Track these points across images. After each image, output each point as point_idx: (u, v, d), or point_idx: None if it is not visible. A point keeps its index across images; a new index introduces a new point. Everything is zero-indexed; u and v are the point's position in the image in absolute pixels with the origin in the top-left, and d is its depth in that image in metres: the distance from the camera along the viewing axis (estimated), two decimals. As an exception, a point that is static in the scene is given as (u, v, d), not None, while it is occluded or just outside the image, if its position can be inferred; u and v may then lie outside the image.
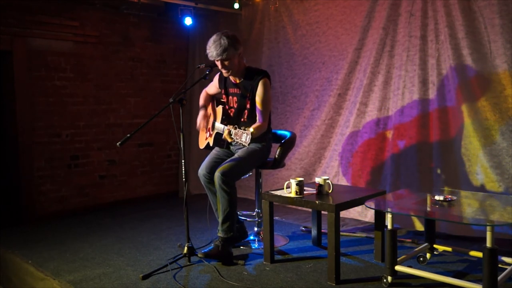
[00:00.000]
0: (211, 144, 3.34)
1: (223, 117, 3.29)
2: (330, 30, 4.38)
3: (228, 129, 2.79)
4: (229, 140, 2.85)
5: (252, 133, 2.68)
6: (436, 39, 3.59)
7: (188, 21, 4.95)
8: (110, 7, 4.96)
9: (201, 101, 3.50)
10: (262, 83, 3.12)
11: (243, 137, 2.67)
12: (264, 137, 3.25)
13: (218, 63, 3.13)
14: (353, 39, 4.15)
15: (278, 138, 3.52)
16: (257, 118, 3.15)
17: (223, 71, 3.17)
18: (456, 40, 3.44)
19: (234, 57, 3.09)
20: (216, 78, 3.45)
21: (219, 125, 3.27)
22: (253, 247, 3.35)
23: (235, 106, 3.27)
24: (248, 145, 2.71)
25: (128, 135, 2.93)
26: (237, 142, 2.73)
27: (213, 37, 3.08)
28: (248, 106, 3.20)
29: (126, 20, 5.16)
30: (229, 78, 3.29)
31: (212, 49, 3.04)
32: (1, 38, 4.22)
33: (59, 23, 4.59)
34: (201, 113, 3.40)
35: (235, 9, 5.04)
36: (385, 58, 3.91)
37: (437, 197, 2.65)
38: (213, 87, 3.50)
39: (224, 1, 4.95)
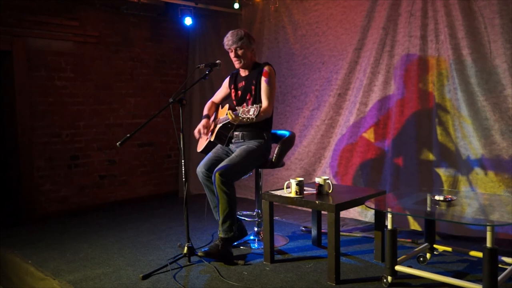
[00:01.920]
0: (212, 140, 3.33)
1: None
2: (330, 30, 4.38)
3: (234, 111, 2.83)
4: (237, 122, 2.87)
5: (260, 106, 2.74)
6: (436, 39, 3.59)
7: (188, 21, 4.96)
8: (110, 7, 4.96)
9: (205, 111, 3.52)
10: (267, 69, 3.24)
11: (251, 111, 2.73)
12: (263, 135, 3.26)
13: (232, 54, 3.26)
14: (353, 39, 4.15)
15: (277, 138, 3.52)
16: (262, 102, 3.20)
17: (236, 60, 3.27)
18: (456, 40, 3.44)
19: (248, 49, 3.26)
20: (226, 80, 3.54)
21: (223, 117, 3.28)
22: (253, 247, 3.35)
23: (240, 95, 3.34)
24: (255, 117, 2.73)
25: (128, 135, 2.93)
26: (245, 118, 2.76)
27: (231, 30, 3.30)
28: (253, 92, 3.25)
29: (126, 20, 5.16)
30: (239, 74, 3.38)
31: (229, 38, 3.24)
32: (1, 38, 4.22)
33: (59, 23, 4.59)
34: (203, 121, 3.41)
35: (235, 9, 5.04)
36: (385, 58, 3.91)
37: (437, 197, 2.65)
38: (222, 90, 3.56)
39: (224, 1, 4.95)
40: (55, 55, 4.60)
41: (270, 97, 3.19)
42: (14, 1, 4.28)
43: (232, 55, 3.28)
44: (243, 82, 3.33)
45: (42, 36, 4.49)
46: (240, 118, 2.79)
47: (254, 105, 2.74)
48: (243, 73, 3.37)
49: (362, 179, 4.06)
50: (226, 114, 3.23)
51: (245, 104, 2.82)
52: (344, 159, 4.20)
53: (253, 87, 3.26)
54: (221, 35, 5.36)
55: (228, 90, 3.50)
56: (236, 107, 2.86)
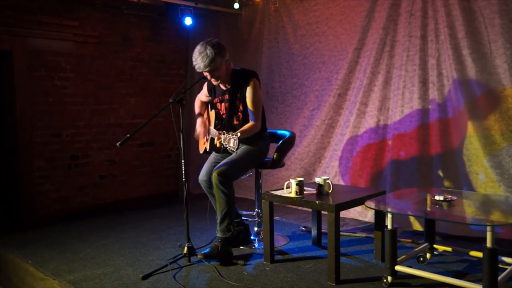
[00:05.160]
0: (207, 149, 3.34)
1: (216, 121, 3.28)
2: (330, 30, 4.38)
3: (218, 135, 2.74)
4: (218, 146, 2.79)
5: (239, 137, 2.63)
6: (436, 39, 3.59)
7: (188, 21, 4.95)
8: (110, 7, 4.96)
9: (197, 109, 3.51)
10: (251, 85, 3.11)
11: (231, 142, 2.64)
12: (260, 136, 3.25)
13: (207, 74, 3.10)
14: (353, 39, 4.15)
15: (278, 138, 3.52)
16: (250, 118, 3.15)
17: (213, 80, 3.15)
18: (456, 40, 3.44)
19: (222, 65, 3.06)
20: (205, 88, 3.45)
21: (212, 130, 3.27)
22: (254, 247, 3.35)
23: (226, 112, 3.26)
24: (237, 149, 2.69)
25: (128, 135, 2.94)
26: (227, 147, 2.69)
27: (198, 48, 3.03)
28: (241, 108, 3.19)
29: (126, 20, 5.15)
30: (219, 86, 3.26)
31: (199, 61, 3.00)
32: (1, 38, 4.22)
33: (59, 23, 4.59)
34: (199, 120, 3.40)
35: (235, 9, 5.04)
36: (385, 58, 3.92)
37: (437, 197, 2.65)
38: (203, 96, 3.51)
39: (224, 1, 4.95)
40: (55, 55, 4.60)
41: (257, 113, 3.11)
42: (14, 1, 4.27)
43: (207, 75, 3.10)
44: (227, 95, 3.22)
45: (42, 36, 4.48)
46: (223, 144, 2.70)
47: (234, 136, 2.62)
48: (224, 87, 3.23)
49: (362, 179, 4.06)
50: (215, 127, 3.23)
51: (225, 132, 2.72)
52: (344, 159, 4.20)
53: (238, 103, 3.17)
54: (221, 35, 5.42)
55: (209, 97, 3.42)
56: (222, 132, 2.72)
